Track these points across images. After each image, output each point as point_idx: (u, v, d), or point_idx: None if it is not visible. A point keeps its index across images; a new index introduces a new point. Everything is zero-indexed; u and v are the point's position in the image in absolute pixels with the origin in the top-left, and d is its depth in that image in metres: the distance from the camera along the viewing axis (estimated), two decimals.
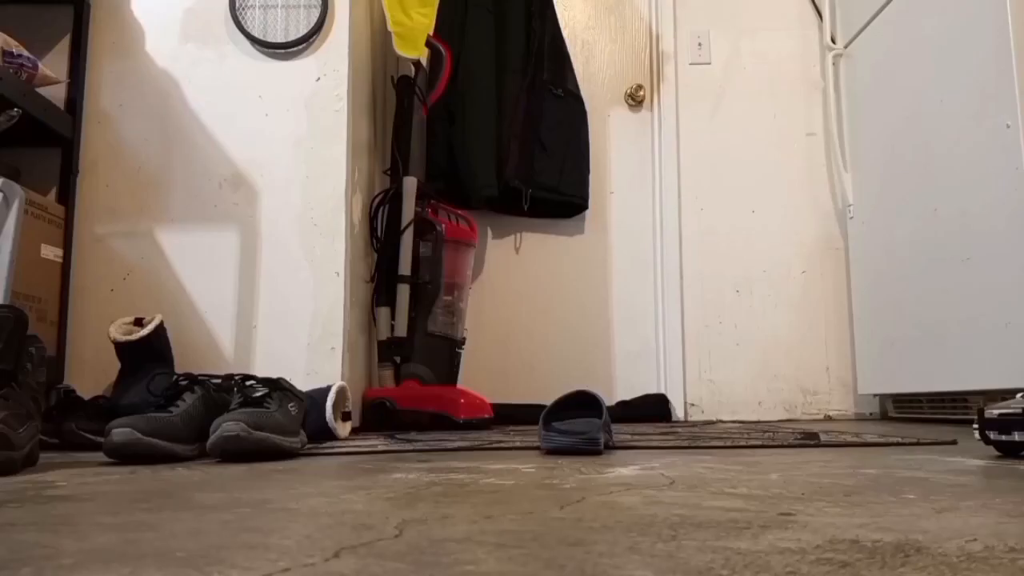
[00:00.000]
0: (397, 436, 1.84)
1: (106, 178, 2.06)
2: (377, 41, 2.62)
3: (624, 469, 1.05)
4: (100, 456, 1.27)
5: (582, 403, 1.42)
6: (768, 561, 0.49)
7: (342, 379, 1.95)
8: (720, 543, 0.55)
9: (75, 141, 2.02)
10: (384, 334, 2.38)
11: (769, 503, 0.74)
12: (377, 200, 2.44)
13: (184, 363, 1.91)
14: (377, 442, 1.61)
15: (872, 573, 0.46)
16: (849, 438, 1.58)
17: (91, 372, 1.94)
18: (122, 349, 1.73)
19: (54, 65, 2.01)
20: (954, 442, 1.49)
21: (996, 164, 1.99)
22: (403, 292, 2.37)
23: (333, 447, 1.47)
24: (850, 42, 2.86)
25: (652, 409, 2.75)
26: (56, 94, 1.97)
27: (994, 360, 2.01)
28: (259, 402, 1.30)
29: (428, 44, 2.51)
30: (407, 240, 2.37)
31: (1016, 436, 1.11)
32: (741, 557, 0.51)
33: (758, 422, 2.64)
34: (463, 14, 2.80)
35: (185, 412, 1.30)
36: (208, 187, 2.06)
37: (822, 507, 0.71)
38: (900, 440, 1.50)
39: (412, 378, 2.31)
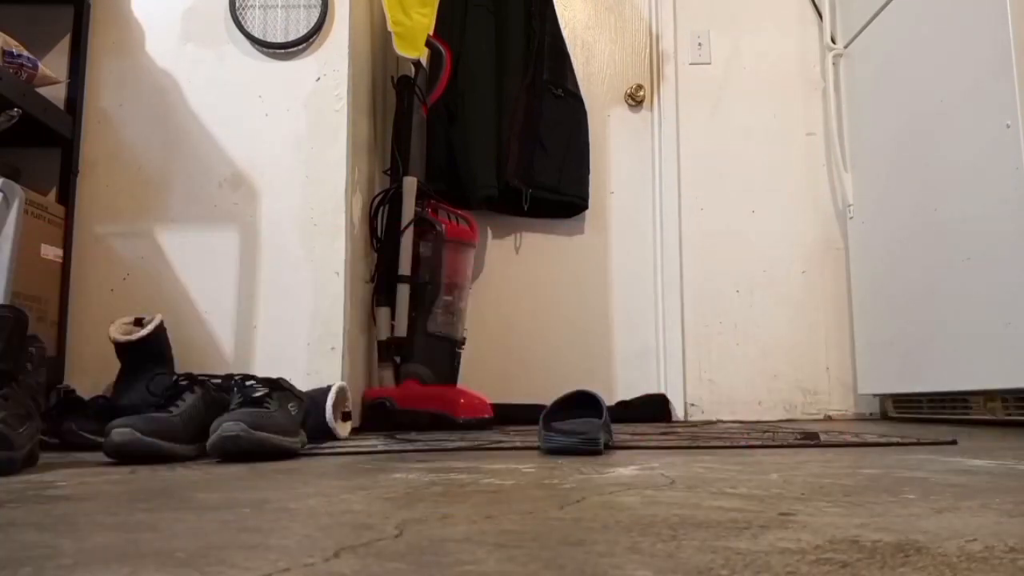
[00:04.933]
0: (397, 436, 1.84)
1: (106, 178, 2.06)
2: (377, 41, 2.62)
3: (624, 469, 1.05)
4: (100, 456, 1.27)
5: (582, 403, 1.42)
6: (768, 561, 0.49)
7: (342, 379, 1.95)
8: (720, 543, 0.55)
9: (75, 141, 2.02)
10: (384, 334, 2.38)
11: (769, 503, 0.74)
12: (377, 200, 2.44)
13: (184, 363, 1.91)
14: (377, 442, 1.61)
15: (872, 573, 0.46)
16: (849, 438, 1.58)
17: (91, 372, 1.94)
18: (122, 349, 1.73)
19: (54, 65, 2.01)
20: (954, 442, 1.49)
21: (996, 164, 1.99)
22: (403, 292, 2.37)
23: (333, 447, 1.47)
24: (850, 42, 2.86)
25: (652, 409, 2.75)
26: (56, 94, 1.97)
27: (994, 360, 2.01)
28: (259, 402, 1.30)
29: (428, 44, 2.51)
30: (407, 240, 2.37)
31: None
32: (741, 557, 0.51)
33: (758, 422, 2.64)
34: (463, 14, 2.80)
35: (185, 412, 1.30)
36: (208, 187, 2.06)
37: (822, 507, 0.71)
38: (900, 440, 1.50)
39: (412, 378, 2.31)
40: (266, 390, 1.33)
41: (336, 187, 2.06)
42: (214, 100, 2.09)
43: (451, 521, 0.65)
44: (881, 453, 1.28)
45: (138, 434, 1.20)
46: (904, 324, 2.47)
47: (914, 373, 2.41)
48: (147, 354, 1.74)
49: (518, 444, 1.50)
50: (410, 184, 2.40)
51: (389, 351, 2.37)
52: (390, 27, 2.41)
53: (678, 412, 2.84)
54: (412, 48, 2.45)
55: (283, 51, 2.10)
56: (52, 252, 1.90)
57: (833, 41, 2.95)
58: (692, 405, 2.87)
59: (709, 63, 3.06)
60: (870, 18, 2.68)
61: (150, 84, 2.09)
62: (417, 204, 2.41)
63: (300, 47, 2.11)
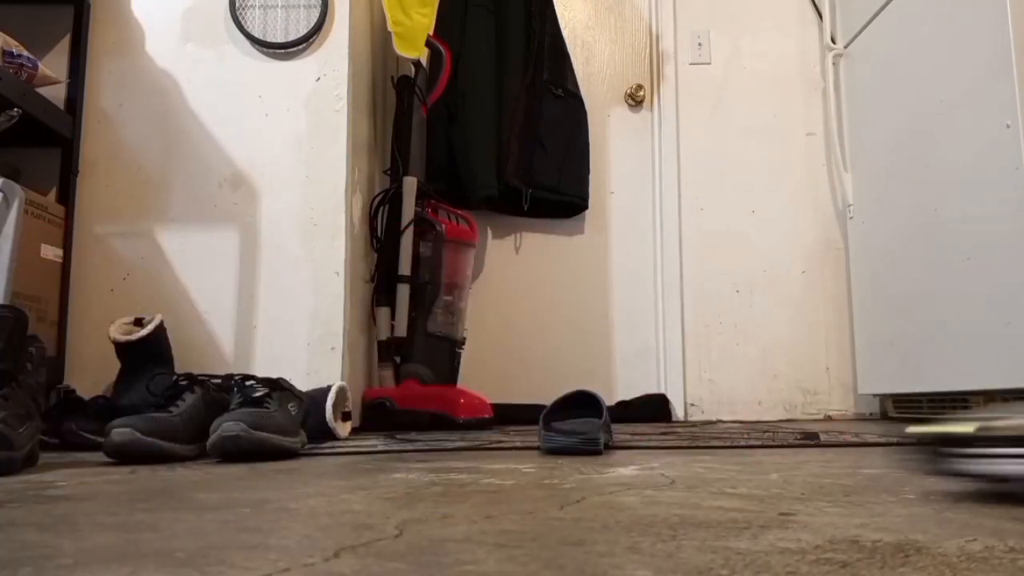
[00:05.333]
0: (397, 436, 1.84)
1: (106, 178, 2.06)
2: (377, 41, 2.62)
3: (624, 469, 1.05)
4: (100, 456, 1.27)
5: (582, 403, 1.42)
6: (768, 561, 0.49)
7: (342, 379, 1.95)
8: (720, 543, 0.55)
9: (75, 141, 2.02)
10: (384, 334, 2.38)
11: (769, 503, 0.74)
12: (377, 200, 2.44)
13: (184, 363, 1.91)
14: (377, 442, 1.61)
15: (872, 573, 0.46)
16: (849, 438, 1.58)
17: (91, 372, 1.94)
18: (122, 349, 1.73)
19: (54, 65, 2.01)
20: None
21: (996, 164, 1.99)
22: (403, 292, 2.37)
23: (333, 447, 1.47)
24: (850, 42, 2.86)
25: (652, 409, 2.75)
26: (56, 94, 1.97)
27: (994, 360, 2.01)
28: (259, 402, 1.30)
29: (428, 44, 2.51)
30: (407, 240, 2.37)
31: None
32: (741, 557, 0.51)
33: (758, 422, 2.64)
34: (463, 14, 2.80)
35: (185, 412, 1.30)
36: (208, 187, 2.06)
37: (822, 507, 0.71)
38: (900, 440, 1.50)
39: (412, 378, 2.31)
40: (266, 390, 1.33)
41: (336, 187, 2.06)
42: (214, 100, 2.09)
43: (451, 521, 0.65)
44: (881, 453, 1.28)
45: (138, 434, 1.20)
46: (904, 324, 2.47)
47: (914, 373, 2.41)
48: (147, 354, 1.74)
49: (518, 444, 1.50)
50: (410, 184, 2.40)
51: (389, 351, 2.37)
52: (390, 27, 2.41)
53: (678, 412, 2.84)
54: (412, 48, 2.45)
55: (283, 51, 2.10)
56: (52, 252, 1.90)
57: (833, 41, 2.95)
58: (692, 405, 2.87)
59: (709, 63, 3.06)
60: (870, 18, 2.68)
61: (150, 84, 2.09)
62: (417, 204, 2.41)
63: (300, 47, 2.11)
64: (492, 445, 1.49)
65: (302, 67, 2.10)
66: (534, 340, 2.91)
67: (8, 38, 1.75)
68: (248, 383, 1.36)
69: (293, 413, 1.34)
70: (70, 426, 1.56)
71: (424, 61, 2.53)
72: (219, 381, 1.43)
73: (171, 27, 2.11)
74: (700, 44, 3.06)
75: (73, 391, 1.75)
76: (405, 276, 2.37)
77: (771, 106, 3.02)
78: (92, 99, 2.07)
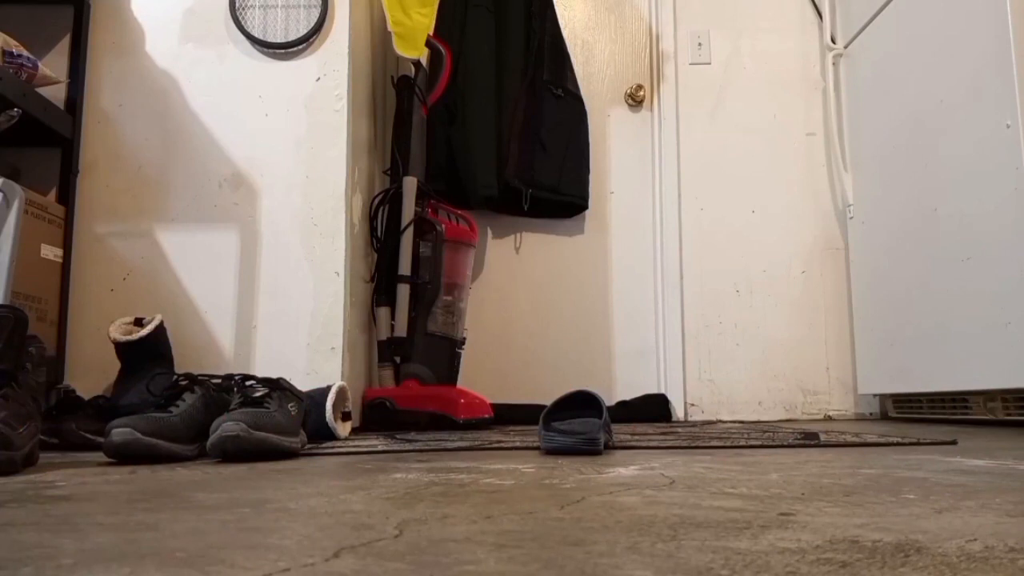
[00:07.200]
0: (397, 436, 1.84)
1: (106, 178, 2.06)
2: (377, 41, 2.62)
3: (624, 469, 1.05)
4: (100, 456, 1.27)
5: (582, 403, 1.42)
6: (768, 561, 0.49)
7: (342, 379, 1.95)
8: (720, 543, 0.55)
9: (75, 141, 2.02)
10: (384, 334, 2.38)
11: (769, 503, 0.74)
12: (377, 200, 2.44)
13: (184, 363, 1.91)
14: (377, 442, 1.61)
15: (872, 573, 0.46)
16: (849, 438, 1.58)
17: (91, 372, 1.94)
18: (122, 349, 1.73)
19: (54, 65, 2.01)
20: (954, 442, 1.49)
21: (996, 164, 1.99)
22: (403, 292, 2.37)
23: (333, 447, 1.47)
24: (850, 42, 2.86)
25: (652, 409, 2.75)
26: (56, 94, 1.97)
27: (994, 360, 2.01)
28: (259, 402, 1.30)
29: (428, 44, 2.51)
30: (407, 240, 2.37)
31: None
32: (741, 557, 0.51)
33: (758, 422, 2.64)
34: (463, 14, 2.80)
35: (185, 412, 1.30)
36: (208, 187, 2.06)
37: (822, 507, 0.71)
38: (900, 440, 1.50)
39: (412, 378, 2.31)
40: (266, 390, 1.33)
41: (336, 187, 2.06)
42: (214, 100, 2.09)
43: (451, 521, 0.65)
44: (881, 453, 1.28)
45: (138, 434, 1.20)
46: (904, 324, 2.47)
47: (914, 373, 2.41)
48: (147, 354, 1.74)
49: (518, 444, 1.50)
50: (410, 184, 2.40)
51: (389, 351, 2.37)
52: (390, 27, 2.41)
53: (678, 412, 2.84)
54: (412, 48, 2.45)
55: (283, 51, 2.10)
56: (52, 252, 1.90)
57: (833, 41, 2.95)
58: (692, 405, 2.87)
59: (709, 63, 3.06)
60: (870, 18, 2.68)
61: (150, 84, 2.09)
62: (417, 204, 2.41)
63: (300, 47, 2.11)
64: (492, 445, 1.49)
65: (302, 67, 2.10)
66: (534, 340, 2.91)
67: (8, 38, 1.75)
68: (248, 383, 1.36)
69: (293, 413, 1.34)
70: (70, 426, 1.56)
71: (424, 61, 2.53)
72: (219, 381, 1.43)
73: (171, 27, 2.11)
74: (700, 44, 3.06)
75: (73, 391, 1.75)
76: (405, 276, 2.37)
77: (771, 106, 3.02)
78: (92, 99, 2.07)
